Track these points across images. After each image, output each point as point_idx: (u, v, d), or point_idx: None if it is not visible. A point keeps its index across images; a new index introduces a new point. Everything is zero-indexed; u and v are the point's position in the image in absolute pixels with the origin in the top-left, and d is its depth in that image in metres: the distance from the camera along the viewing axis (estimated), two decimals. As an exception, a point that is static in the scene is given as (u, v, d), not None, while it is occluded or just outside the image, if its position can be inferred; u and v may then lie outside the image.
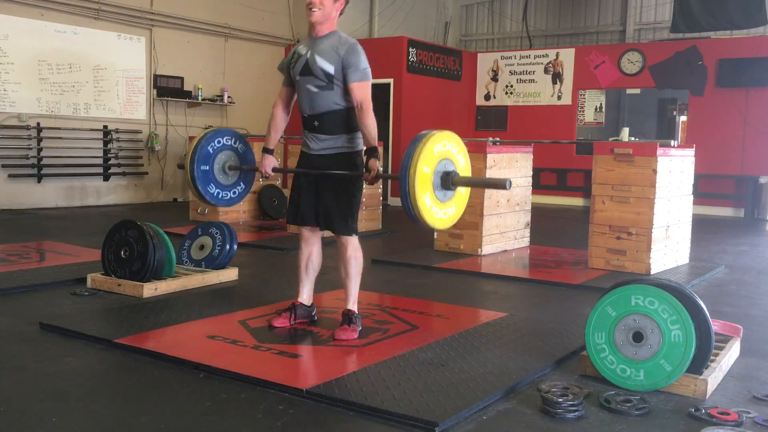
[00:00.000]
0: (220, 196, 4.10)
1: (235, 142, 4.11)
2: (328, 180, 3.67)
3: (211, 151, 4.01)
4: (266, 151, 3.92)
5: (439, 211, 3.32)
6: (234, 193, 4.16)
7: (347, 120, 3.66)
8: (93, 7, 10.07)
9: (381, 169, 3.54)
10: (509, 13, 14.47)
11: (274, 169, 3.93)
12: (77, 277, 4.96)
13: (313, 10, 3.57)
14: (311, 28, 3.66)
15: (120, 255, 4.69)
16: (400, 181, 3.19)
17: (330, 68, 3.57)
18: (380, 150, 4.20)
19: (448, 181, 3.30)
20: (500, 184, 3.35)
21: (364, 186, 3.82)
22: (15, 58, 9.36)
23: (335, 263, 3.83)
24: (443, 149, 3.28)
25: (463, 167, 3.41)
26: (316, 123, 3.67)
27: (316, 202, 3.71)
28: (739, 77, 11.11)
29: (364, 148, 3.67)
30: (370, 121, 3.57)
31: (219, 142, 4.03)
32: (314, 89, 3.63)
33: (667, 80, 11.93)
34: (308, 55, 3.63)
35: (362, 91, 3.57)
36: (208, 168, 4.00)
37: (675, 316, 2.93)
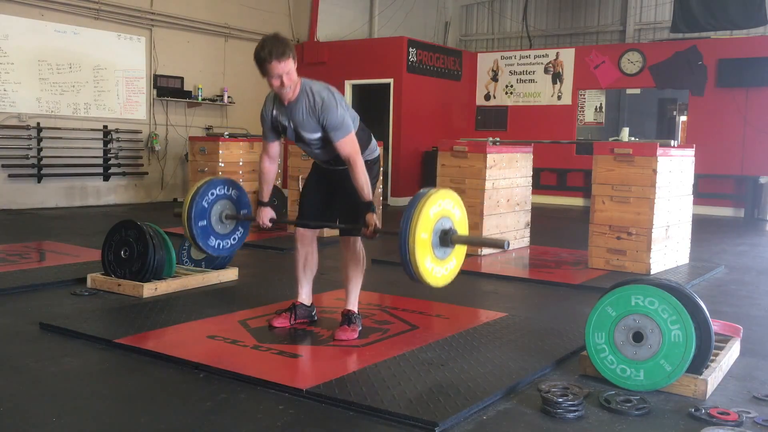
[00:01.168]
0: (221, 246, 4.05)
1: (228, 190, 4.01)
2: (342, 182, 3.68)
3: (206, 205, 3.93)
4: (261, 204, 3.85)
5: (441, 269, 3.27)
6: (234, 239, 4.11)
7: None
8: (93, 7, 10.07)
9: (378, 223, 3.49)
10: (509, 13, 14.47)
11: (272, 220, 3.86)
12: (77, 277, 4.96)
13: (286, 90, 3.48)
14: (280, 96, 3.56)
15: (120, 255, 4.70)
16: (400, 247, 3.12)
17: (316, 135, 3.55)
18: (380, 150, 4.16)
19: (446, 239, 3.26)
20: (499, 244, 3.32)
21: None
22: (15, 58, 9.36)
23: (335, 263, 3.82)
24: (439, 209, 3.22)
25: (459, 219, 3.36)
26: (331, 162, 3.71)
27: (328, 202, 3.78)
28: (739, 77, 11.10)
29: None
30: (361, 176, 3.49)
31: (212, 194, 3.94)
32: (316, 150, 3.67)
33: (667, 80, 11.93)
34: (291, 126, 3.59)
35: (347, 147, 3.50)
36: (205, 223, 3.94)
37: (675, 316, 2.93)
